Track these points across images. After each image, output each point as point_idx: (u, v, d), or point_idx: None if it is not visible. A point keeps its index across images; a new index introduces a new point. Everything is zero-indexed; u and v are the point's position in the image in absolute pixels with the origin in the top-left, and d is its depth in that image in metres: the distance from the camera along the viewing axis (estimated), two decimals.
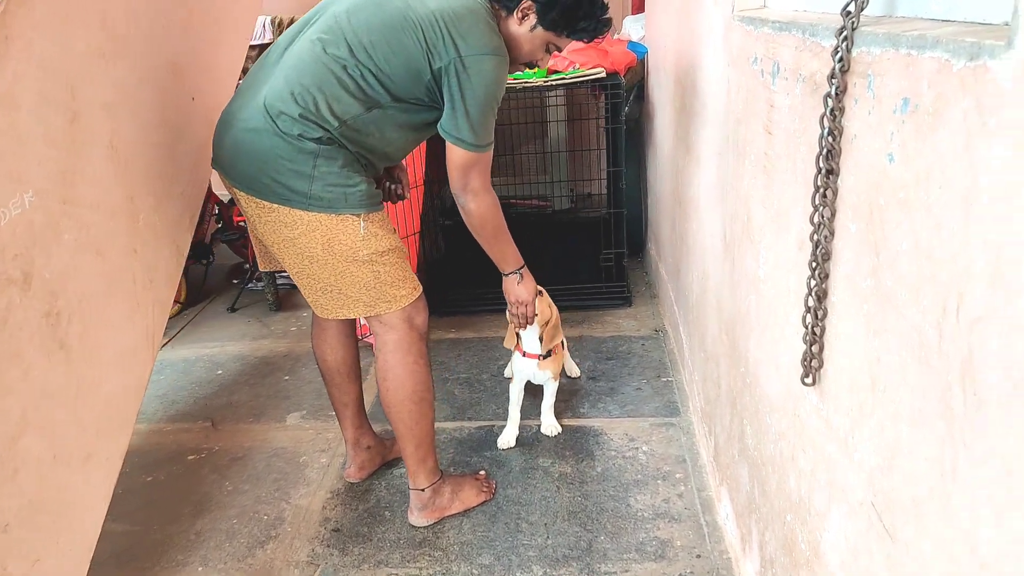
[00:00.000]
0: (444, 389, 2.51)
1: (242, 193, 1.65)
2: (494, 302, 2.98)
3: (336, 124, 1.57)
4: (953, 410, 0.71)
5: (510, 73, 1.75)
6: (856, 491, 0.96)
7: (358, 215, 1.61)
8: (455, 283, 3.19)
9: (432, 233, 3.36)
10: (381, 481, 2.06)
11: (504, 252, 1.85)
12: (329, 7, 1.65)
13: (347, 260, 1.63)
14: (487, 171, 1.70)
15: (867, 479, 0.92)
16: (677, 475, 1.99)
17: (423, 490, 1.85)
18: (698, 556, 1.71)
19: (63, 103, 1.41)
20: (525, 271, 1.90)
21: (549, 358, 2.14)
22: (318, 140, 1.57)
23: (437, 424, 2.28)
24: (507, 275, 1.89)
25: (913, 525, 0.81)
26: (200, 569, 1.78)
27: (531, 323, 1.98)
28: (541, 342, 2.10)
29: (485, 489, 1.95)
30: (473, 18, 1.58)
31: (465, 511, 1.90)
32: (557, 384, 2.21)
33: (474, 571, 1.71)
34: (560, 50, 1.78)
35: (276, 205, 1.60)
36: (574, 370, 2.53)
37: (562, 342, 2.28)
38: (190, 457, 2.23)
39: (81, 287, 1.43)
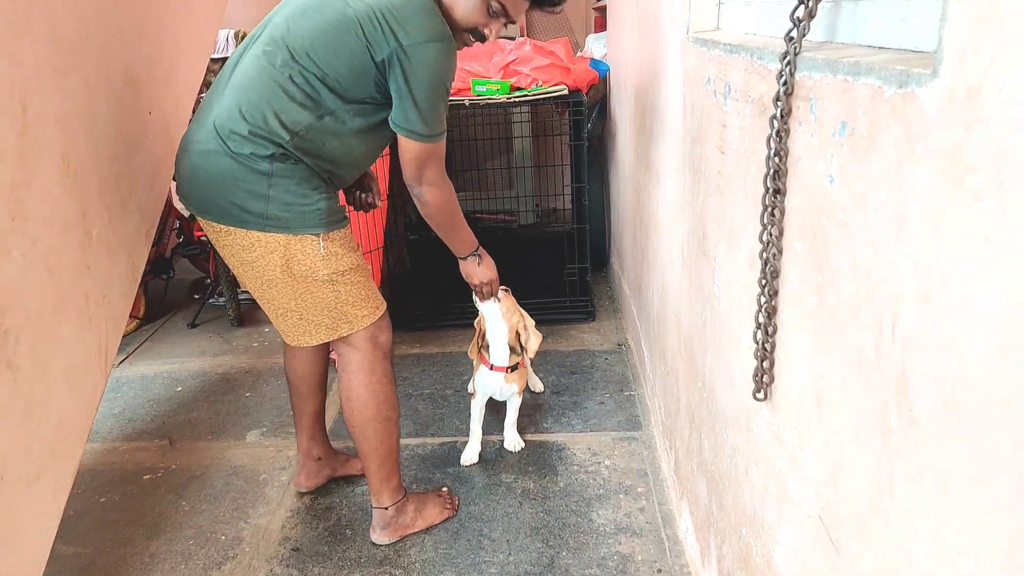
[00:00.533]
0: (408, 405, 2.50)
1: (200, 217, 1.63)
2: (459, 317, 3.00)
3: (288, 137, 1.54)
4: (890, 426, 0.73)
5: (459, 49, 1.64)
6: (805, 504, 0.97)
7: (317, 234, 1.58)
8: (420, 298, 3.19)
9: (397, 248, 3.35)
10: (342, 499, 2.04)
11: (461, 237, 1.83)
12: (272, 19, 1.63)
13: (307, 281, 1.60)
14: (441, 161, 1.65)
15: (815, 493, 0.94)
16: (639, 489, 2.00)
17: (386, 508, 1.83)
18: (659, 571, 1.72)
19: (13, 116, 1.39)
20: (482, 251, 1.89)
21: (515, 372, 2.15)
22: (271, 157, 1.53)
23: (400, 440, 2.27)
24: (465, 259, 1.88)
25: (856, 538, 0.82)
26: None
27: (497, 295, 2.00)
28: (514, 352, 2.11)
29: (448, 506, 1.94)
30: (410, 6, 1.50)
31: (428, 528, 1.88)
32: (520, 400, 2.21)
33: None
34: (507, 14, 1.61)
35: (233, 228, 1.58)
36: (538, 385, 2.53)
37: (528, 359, 2.29)
38: (146, 477, 2.19)
39: (30, 304, 1.40)
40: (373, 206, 1.95)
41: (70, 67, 1.57)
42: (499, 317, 2.06)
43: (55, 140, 1.52)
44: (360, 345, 1.71)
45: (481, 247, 1.89)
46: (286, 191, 1.54)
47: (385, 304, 1.76)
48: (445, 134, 1.63)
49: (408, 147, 1.59)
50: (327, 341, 1.71)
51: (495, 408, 2.26)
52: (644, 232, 2.34)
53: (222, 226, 1.59)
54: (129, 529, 1.95)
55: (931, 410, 0.65)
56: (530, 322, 2.13)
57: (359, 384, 1.73)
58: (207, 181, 1.57)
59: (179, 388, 2.72)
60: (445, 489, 2.01)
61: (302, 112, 1.54)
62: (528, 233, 4.10)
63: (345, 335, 1.68)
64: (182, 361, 2.93)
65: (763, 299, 1.06)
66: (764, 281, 1.05)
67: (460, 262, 1.89)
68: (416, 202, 1.69)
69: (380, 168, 2.79)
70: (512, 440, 2.21)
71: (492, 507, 1.96)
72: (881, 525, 0.76)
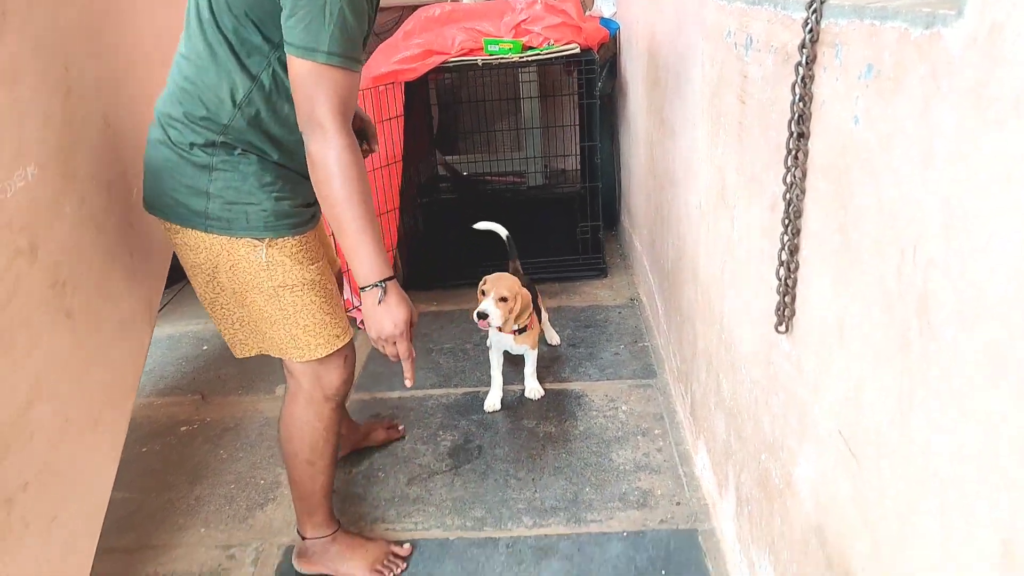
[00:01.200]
0: (429, 359, 2.59)
1: (151, 214, 1.45)
2: (470, 276, 3.08)
3: (228, 116, 1.33)
4: (910, 343, 0.80)
5: None
6: (825, 424, 1.06)
7: (260, 239, 1.38)
8: (434, 258, 3.26)
9: (411, 209, 3.41)
10: (372, 446, 2.13)
11: (359, 241, 1.27)
12: None
13: (254, 290, 1.42)
14: (343, 100, 1.23)
15: (835, 413, 1.02)
16: (655, 431, 2.10)
17: (304, 539, 1.70)
18: (678, 503, 1.82)
19: (59, 78, 1.45)
20: (392, 287, 1.31)
21: (524, 332, 2.21)
22: (211, 147, 1.34)
23: (424, 391, 2.37)
24: (365, 290, 1.30)
25: (875, 448, 0.91)
26: (202, 531, 1.84)
27: (408, 358, 1.38)
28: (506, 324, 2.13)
29: (383, 569, 1.67)
30: None
31: None
32: (536, 352, 2.30)
33: (467, 523, 1.80)
34: None
35: (179, 227, 1.40)
36: (554, 338, 2.62)
37: (540, 312, 2.37)
38: (183, 428, 2.28)
39: (82, 258, 1.47)
40: (369, 151, 1.67)
41: (104, 30, 1.62)
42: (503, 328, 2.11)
43: (96, 102, 1.58)
44: (300, 378, 1.52)
45: (394, 281, 1.32)
46: (228, 187, 1.35)
47: (348, 340, 1.52)
48: (352, 63, 1.23)
49: (294, 68, 1.22)
50: (275, 356, 1.52)
51: (514, 361, 2.35)
52: (658, 187, 2.40)
53: (171, 224, 1.41)
54: (172, 476, 2.05)
55: (951, 325, 0.72)
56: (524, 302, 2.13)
57: (289, 416, 1.57)
58: (152, 174, 1.40)
59: (205, 347, 2.80)
60: (407, 546, 1.74)
61: (238, 73, 1.32)
62: (537, 194, 4.14)
63: (294, 360, 1.49)
64: (206, 321, 3.00)
65: (786, 238, 1.13)
66: (787, 221, 1.12)
67: (361, 294, 1.33)
68: (307, 161, 1.27)
69: (395, 130, 2.84)
70: (532, 388, 2.30)
71: (517, 449, 2.06)
72: (901, 434, 0.84)
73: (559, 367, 2.48)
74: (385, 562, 1.69)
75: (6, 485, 1.20)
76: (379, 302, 1.30)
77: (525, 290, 2.19)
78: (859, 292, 0.92)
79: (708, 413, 1.79)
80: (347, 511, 1.88)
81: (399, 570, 1.69)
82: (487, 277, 2.17)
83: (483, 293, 2.12)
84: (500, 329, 2.18)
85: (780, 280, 1.16)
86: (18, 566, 1.22)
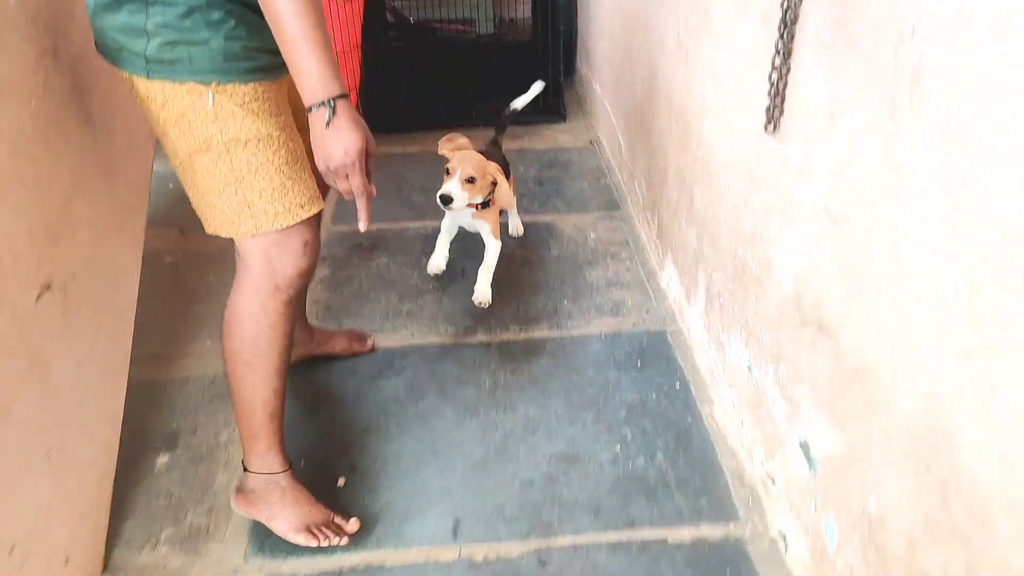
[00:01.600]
0: (402, 197, 2.68)
1: (102, 56, 1.24)
2: (429, 123, 3.14)
3: None
4: (901, 108, 0.97)
5: None
6: (809, 205, 1.24)
7: (207, 84, 1.16)
8: (390, 104, 3.27)
9: (375, 48, 3.37)
10: (360, 271, 2.26)
11: (304, 50, 1.08)
12: None
13: (202, 149, 1.20)
14: None
15: (820, 193, 1.21)
16: (623, 255, 2.31)
17: (245, 471, 1.44)
18: (647, 311, 2.05)
19: None
20: (344, 106, 1.12)
21: (486, 209, 1.95)
22: None
23: (401, 224, 2.49)
24: (312, 111, 1.11)
25: (861, 211, 1.10)
26: (208, 343, 1.96)
27: (362, 194, 1.18)
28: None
29: (319, 535, 1.42)
30: None
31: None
32: (499, 246, 1.97)
33: (460, 330, 1.99)
34: None
35: (126, 73, 1.19)
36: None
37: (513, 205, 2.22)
38: (167, 259, 2.34)
39: (91, 66, 1.48)
40: None
41: None
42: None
43: None
44: (251, 262, 1.29)
45: (347, 101, 1.12)
46: (167, 25, 1.13)
47: (313, 213, 1.29)
48: None
49: None
50: (224, 235, 1.28)
51: (468, 251, 2.25)
52: (626, 28, 2.49)
53: (118, 69, 1.21)
54: (167, 300, 2.13)
55: (940, 91, 0.89)
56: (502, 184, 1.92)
57: (232, 306, 1.35)
58: (91, 7, 1.18)
59: (171, 185, 2.78)
60: (354, 522, 1.45)
61: None
62: (488, 42, 4.12)
63: (250, 234, 1.25)
64: (164, 161, 2.97)
65: (780, 43, 1.28)
66: (783, 27, 1.26)
67: (309, 116, 1.13)
68: None
69: None
70: (515, 224, 2.41)
71: (498, 272, 2.20)
72: (886, 194, 1.03)
73: (529, 202, 2.63)
74: (324, 528, 1.44)
75: (60, 272, 1.28)
76: (327, 125, 1.11)
77: (492, 163, 1.92)
78: (853, 77, 1.08)
79: (677, 231, 1.99)
80: (344, 323, 2.03)
81: (337, 541, 1.42)
82: (454, 154, 1.89)
83: (448, 172, 1.86)
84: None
85: (772, 83, 1.32)
86: (75, 346, 1.32)
